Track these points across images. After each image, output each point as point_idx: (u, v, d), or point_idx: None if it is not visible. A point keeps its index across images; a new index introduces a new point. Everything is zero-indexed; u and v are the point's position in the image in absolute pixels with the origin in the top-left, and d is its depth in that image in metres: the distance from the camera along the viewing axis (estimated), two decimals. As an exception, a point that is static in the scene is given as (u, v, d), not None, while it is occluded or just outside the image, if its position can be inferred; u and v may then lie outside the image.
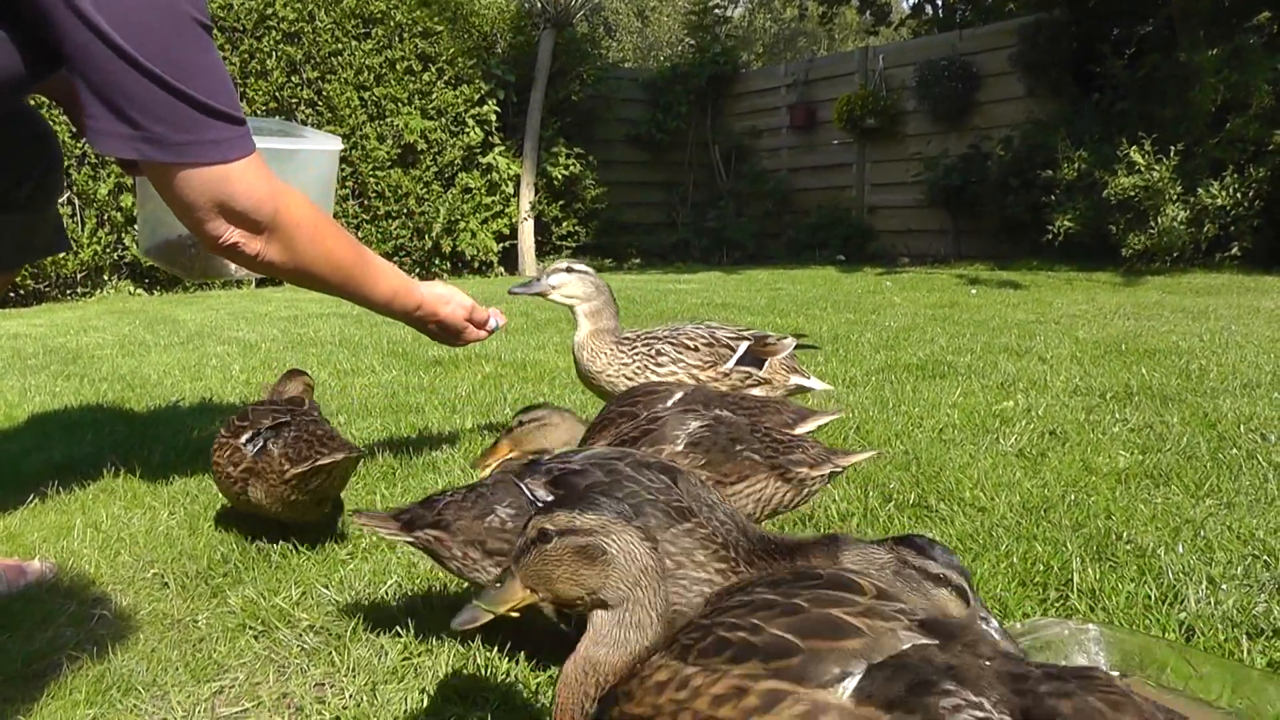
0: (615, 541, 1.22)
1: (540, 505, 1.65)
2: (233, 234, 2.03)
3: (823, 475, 2.19)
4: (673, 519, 1.64)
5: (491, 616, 1.28)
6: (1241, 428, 3.35)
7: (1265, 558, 2.16)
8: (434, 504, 1.86)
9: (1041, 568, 2.14)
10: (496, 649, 1.85)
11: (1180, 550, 2.21)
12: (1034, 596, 2.02)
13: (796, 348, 3.18)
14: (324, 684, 1.81)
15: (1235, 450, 3.06)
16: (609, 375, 3.07)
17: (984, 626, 1.34)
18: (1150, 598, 1.97)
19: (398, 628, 1.97)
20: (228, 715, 1.72)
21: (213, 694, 1.79)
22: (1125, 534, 2.33)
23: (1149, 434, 3.33)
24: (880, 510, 2.59)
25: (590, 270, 3.17)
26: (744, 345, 3.08)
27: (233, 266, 2.81)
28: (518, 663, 1.82)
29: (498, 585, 1.29)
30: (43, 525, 2.71)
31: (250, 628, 2.03)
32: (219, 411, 4.19)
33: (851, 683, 1.03)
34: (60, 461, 3.34)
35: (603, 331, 3.11)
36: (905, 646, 1.05)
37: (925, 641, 1.06)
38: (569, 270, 3.13)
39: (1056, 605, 1.98)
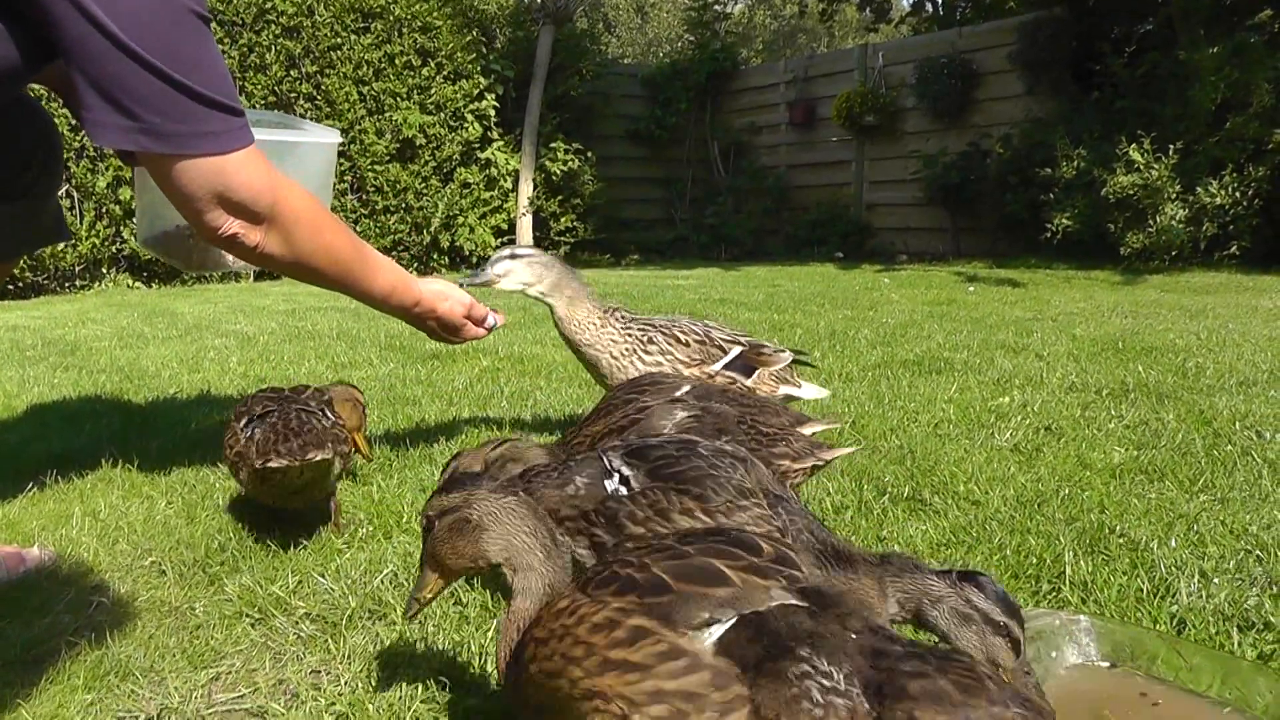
0: (476, 509, 1.37)
1: (614, 470, 1.74)
2: (232, 225, 2.03)
3: (805, 468, 2.21)
4: (739, 495, 1.68)
5: (422, 605, 1.47)
6: (1237, 424, 3.36)
7: (1258, 552, 2.17)
8: (530, 475, 1.89)
9: (1034, 561, 2.15)
10: (490, 635, 1.87)
11: (1173, 544, 2.22)
12: (1026, 589, 2.03)
13: (793, 363, 3.15)
14: (320, 671, 1.82)
15: (1230, 447, 3.08)
16: (597, 348, 3.02)
17: (1026, 678, 1.38)
18: (1142, 591, 1.98)
19: (392, 616, 1.99)
20: (224, 701, 1.72)
21: (209, 680, 1.80)
22: (1118, 528, 2.34)
23: (1144, 430, 3.34)
24: (875, 503, 2.60)
25: (534, 251, 3.09)
26: (736, 350, 3.05)
27: (230, 258, 2.81)
28: (513, 651, 1.83)
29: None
30: (41, 514, 2.72)
31: (247, 615, 2.04)
32: (217, 403, 4.20)
33: (718, 630, 1.10)
34: (59, 451, 3.34)
35: (575, 301, 3.05)
36: (773, 604, 1.12)
37: (795, 603, 1.13)
38: (512, 257, 3.06)
39: (1049, 597, 1.99)
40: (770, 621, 1.10)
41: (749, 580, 1.15)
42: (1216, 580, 2.01)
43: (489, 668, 1.76)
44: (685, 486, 1.69)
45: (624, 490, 1.75)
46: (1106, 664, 1.64)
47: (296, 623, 2.00)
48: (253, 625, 2.00)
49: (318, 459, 2.30)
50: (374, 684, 1.73)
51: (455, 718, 1.62)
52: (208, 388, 4.59)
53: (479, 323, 2.76)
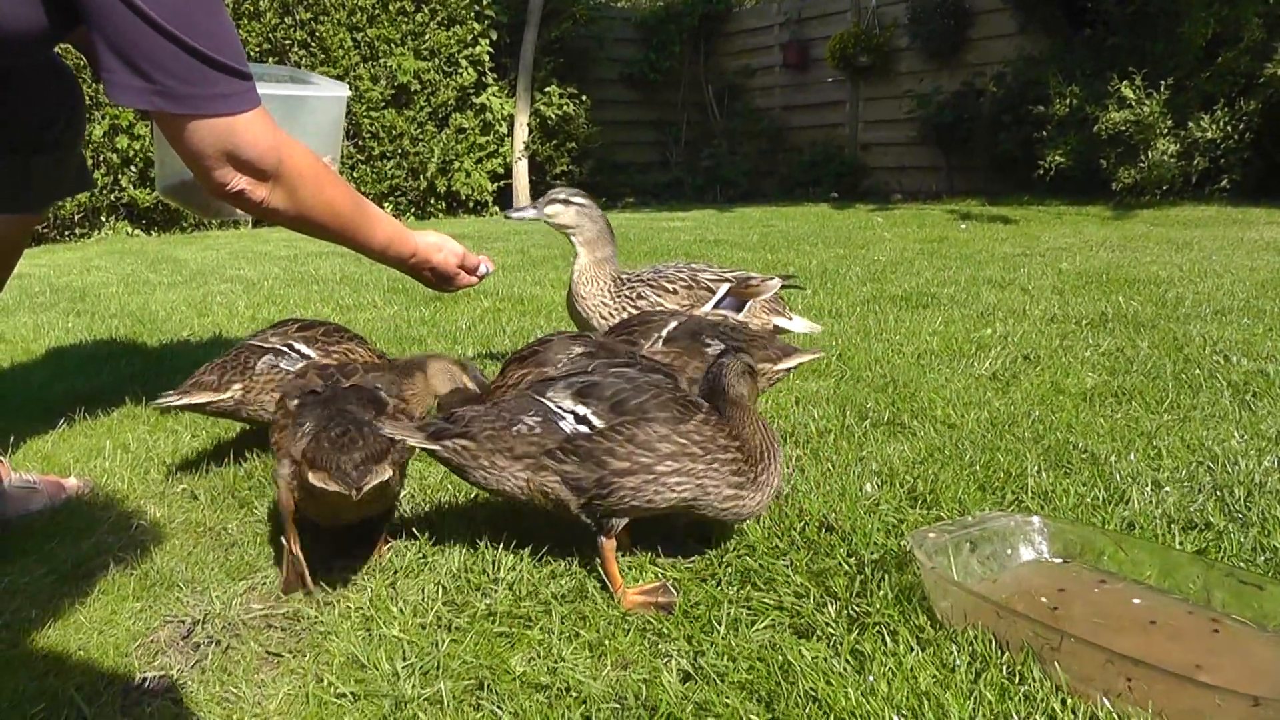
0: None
1: (566, 413, 1.91)
2: (240, 181, 2.14)
3: (783, 370, 2.49)
4: (687, 411, 1.87)
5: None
6: (1207, 350, 3.52)
7: (1209, 463, 2.35)
8: (459, 419, 2.00)
9: (1001, 475, 2.32)
10: (502, 547, 2.04)
11: (1132, 458, 2.39)
12: (992, 500, 2.20)
13: (782, 288, 3.28)
14: (348, 581, 1.99)
15: (1198, 370, 3.24)
16: (589, 305, 3.20)
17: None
18: (1098, 498, 2.16)
19: (413, 530, 2.16)
20: (262, 608, 1.90)
21: (247, 589, 1.98)
22: (1082, 445, 2.51)
23: (1119, 357, 3.50)
24: (857, 427, 2.77)
25: (587, 201, 3.27)
26: (724, 287, 3.18)
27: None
28: (522, 559, 2.00)
29: None
30: (74, 447, 2.89)
31: (278, 535, 2.21)
32: (229, 345, 4.33)
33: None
34: (83, 391, 3.51)
35: (602, 261, 3.24)
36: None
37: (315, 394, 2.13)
38: (566, 202, 3.24)
39: (1012, 506, 2.16)
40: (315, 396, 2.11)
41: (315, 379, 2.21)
42: (1168, 489, 2.19)
43: (501, 573, 1.94)
44: (652, 415, 1.85)
45: (585, 429, 1.90)
46: (1059, 560, 1.81)
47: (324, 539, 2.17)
48: (284, 542, 2.17)
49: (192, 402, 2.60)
50: (398, 590, 1.91)
51: (471, 616, 1.80)
52: (219, 331, 4.75)
53: (471, 271, 2.87)
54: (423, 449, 1.99)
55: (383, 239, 2.57)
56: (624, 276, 3.24)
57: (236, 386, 2.60)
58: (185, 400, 2.54)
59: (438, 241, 2.74)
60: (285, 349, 2.70)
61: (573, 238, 3.26)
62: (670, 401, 1.87)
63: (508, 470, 1.93)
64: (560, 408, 1.93)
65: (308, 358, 2.67)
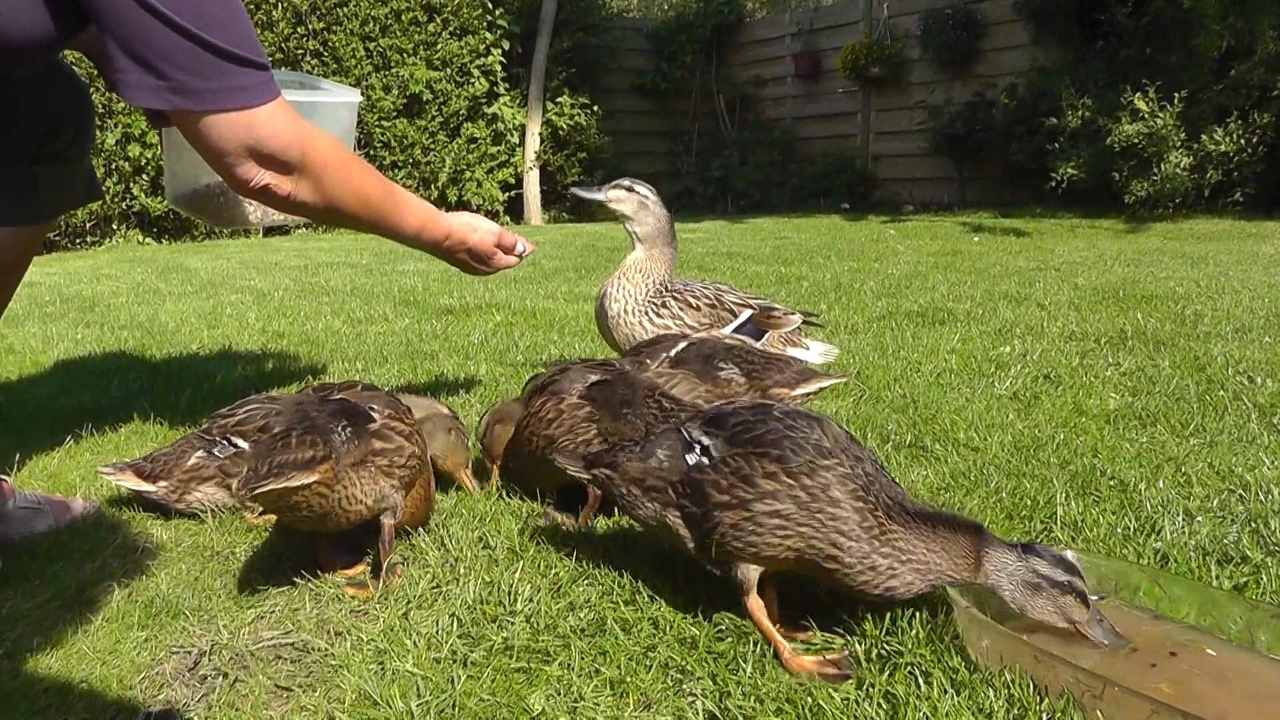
0: None
1: (694, 443, 1.82)
2: (264, 176, 2.09)
3: (800, 395, 2.43)
4: (819, 455, 1.69)
5: None
6: (1230, 370, 3.45)
7: (1240, 491, 2.29)
8: (613, 449, 1.98)
9: (1029, 502, 2.26)
10: (519, 576, 1.99)
11: (1161, 485, 2.33)
12: (1020, 529, 2.14)
13: (803, 324, 3.23)
14: (360, 611, 1.94)
15: (1222, 392, 3.17)
16: (623, 293, 3.13)
17: (1100, 625, 1.60)
18: (1129, 529, 2.10)
19: (427, 559, 2.11)
20: (271, 637, 1.85)
21: (256, 618, 1.92)
22: (1110, 471, 2.45)
23: (1140, 377, 3.44)
24: (879, 451, 2.71)
25: (650, 194, 3.22)
26: (746, 313, 3.13)
27: (254, 216, 2.91)
28: (539, 590, 1.95)
29: None
30: (80, 465, 2.85)
31: (287, 560, 2.16)
32: (239, 358, 4.32)
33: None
34: (91, 405, 3.47)
35: (655, 260, 3.17)
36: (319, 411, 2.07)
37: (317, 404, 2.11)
38: (630, 189, 3.22)
39: (1041, 536, 2.10)
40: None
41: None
42: (1200, 518, 2.13)
43: (518, 605, 1.89)
44: (764, 449, 1.71)
45: (706, 461, 1.79)
46: (1094, 596, 1.75)
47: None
48: (293, 569, 2.12)
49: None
50: (411, 621, 1.86)
51: (488, 650, 1.74)
52: (228, 343, 4.71)
53: (509, 251, 2.81)
54: (578, 476, 2.01)
55: (415, 224, 2.53)
56: (665, 285, 3.17)
57: (163, 483, 2.42)
58: (117, 479, 2.41)
59: (472, 222, 2.70)
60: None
61: (629, 228, 3.21)
62: (790, 441, 1.70)
63: (640, 500, 1.88)
64: (691, 437, 1.85)
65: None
